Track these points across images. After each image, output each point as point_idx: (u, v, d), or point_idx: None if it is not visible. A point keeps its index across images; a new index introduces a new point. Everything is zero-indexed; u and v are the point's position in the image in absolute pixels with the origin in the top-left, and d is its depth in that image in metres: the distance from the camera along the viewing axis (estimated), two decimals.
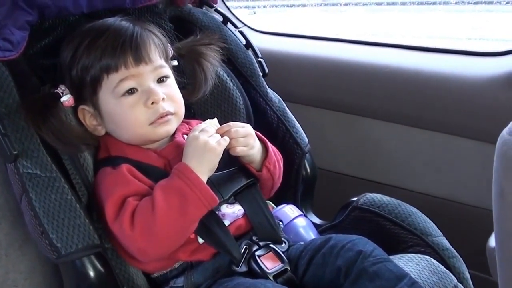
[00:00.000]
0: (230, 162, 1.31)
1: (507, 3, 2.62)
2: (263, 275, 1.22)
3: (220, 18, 1.67)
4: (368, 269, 1.13)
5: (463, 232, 1.67)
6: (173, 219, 1.14)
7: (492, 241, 0.93)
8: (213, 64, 1.45)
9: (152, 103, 1.24)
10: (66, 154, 1.24)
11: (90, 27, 1.29)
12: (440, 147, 1.83)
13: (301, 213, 1.49)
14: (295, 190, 1.58)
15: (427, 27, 2.72)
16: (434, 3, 2.98)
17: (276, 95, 1.63)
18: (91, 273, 1.19)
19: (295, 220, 1.45)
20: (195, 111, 1.53)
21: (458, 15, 2.84)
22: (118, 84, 1.24)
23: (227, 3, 2.21)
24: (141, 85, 1.25)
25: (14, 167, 1.21)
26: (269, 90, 1.62)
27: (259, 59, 1.64)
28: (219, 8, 1.71)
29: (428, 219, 1.39)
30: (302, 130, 1.60)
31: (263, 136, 1.36)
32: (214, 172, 1.22)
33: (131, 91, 1.25)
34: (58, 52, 1.31)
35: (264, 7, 3.66)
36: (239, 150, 1.27)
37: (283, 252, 1.27)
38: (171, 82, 1.32)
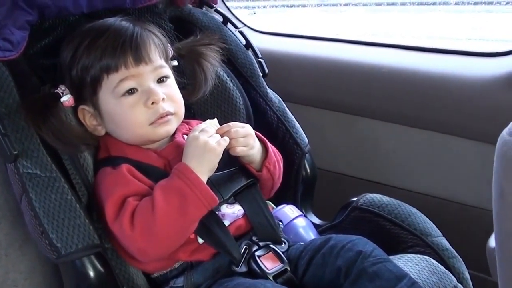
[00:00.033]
0: (230, 162, 1.31)
1: (507, 3, 2.61)
2: (263, 275, 1.22)
3: (220, 19, 1.67)
4: (368, 269, 1.14)
5: (463, 232, 1.67)
6: (173, 219, 1.15)
7: (492, 241, 0.93)
8: (213, 65, 1.45)
9: (152, 103, 1.24)
10: (66, 154, 1.24)
11: (90, 27, 1.30)
12: (440, 147, 1.83)
13: (301, 213, 1.49)
14: (295, 190, 1.58)
15: (427, 28, 2.72)
16: (434, 4, 2.98)
17: (276, 95, 1.63)
18: (91, 273, 1.19)
19: (295, 220, 1.45)
20: (195, 111, 1.53)
21: (458, 15, 2.84)
22: (118, 84, 1.24)
23: (227, 3, 2.21)
24: (141, 85, 1.25)
25: (14, 167, 1.21)
26: (269, 90, 1.62)
27: (259, 59, 1.64)
28: (219, 9, 1.71)
29: (427, 219, 1.40)
30: (302, 130, 1.60)
31: (263, 137, 1.36)
32: (214, 172, 1.23)
33: (131, 91, 1.25)
34: (58, 52, 1.31)
35: (264, 7, 3.66)
36: (239, 150, 1.27)
37: (283, 252, 1.27)
38: (171, 82, 1.32)
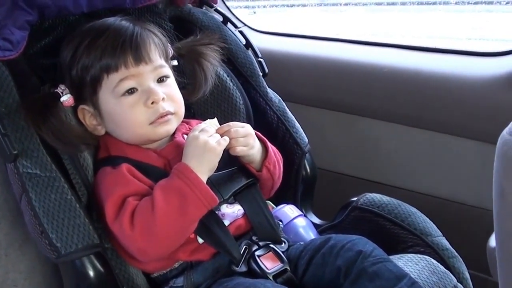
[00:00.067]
0: (230, 162, 1.31)
1: (507, 3, 2.62)
2: (262, 275, 1.22)
3: (220, 18, 1.67)
4: (368, 269, 1.13)
5: (463, 232, 1.67)
6: (173, 219, 1.14)
7: (492, 241, 0.93)
8: (213, 64, 1.45)
9: (152, 102, 1.24)
10: (66, 154, 1.24)
11: (90, 27, 1.29)
12: (440, 147, 1.83)
13: (301, 213, 1.49)
14: (295, 190, 1.58)
15: (427, 27, 2.72)
16: (434, 3, 2.98)
17: (276, 95, 1.63)
18: (91, 273, 1.19)
19: (295, 220, 1.45)
20: (195, 111, 1.53)
21: (458, 15, 2.84)
22: (118, 84, 1.24)
23: (227, 3, 2.21)
24: (141, 85, 1.25)
25: (14, 166, 1.21)
26: (269, 90, 1.62)
27: (259, 59, 1.64)
28: (219, 8, 1.71)
29: (427, 219, 1.39)
30: (302, 130, 1.60)
31: (263, 136, 1.36)
32: (214, 172, 1.22)
33: (131, 91, 1.25)
34: (58, 51, 1.31)
35: (264, 7, 3.66)
36: (239, 150, 1.27)
37: (282, 252, 1.27)
38: (171, 82, 1.32)
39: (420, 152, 1.88)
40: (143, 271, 1.29)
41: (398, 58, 1.93)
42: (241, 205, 1.31)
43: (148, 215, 1.14)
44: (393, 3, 3.09)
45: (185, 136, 1.32)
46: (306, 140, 1.59)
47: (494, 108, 1.65)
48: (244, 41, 1.64)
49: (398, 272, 1.13)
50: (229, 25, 1.66)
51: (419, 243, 1.35)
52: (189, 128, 1.38)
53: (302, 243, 1.32)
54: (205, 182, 1.18)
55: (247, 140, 1.28)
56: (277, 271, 1.23)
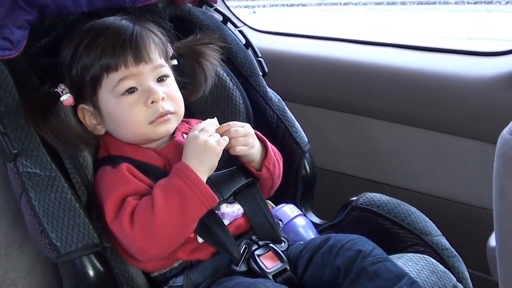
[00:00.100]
0: (230, 162, 1.31)
1: (507, 3, 2.62)
2: (262, 274, 1.22)
3: (220, 18, 1.67)
4: (368, 268, 1.13)
5: (463, 231, 1.67)
6: (173, 219, 1.15)
7: (492, 241, 0.93)
8: (213, 64, 1.45)
9: (152, 102, 1.24)
10: (66, 153, 1.24)
11: (90, 26, 1.29)
12: (440, 147, 1.83)
13: (300, 212, 1.49)
14: (294, 189, 1.58)
15: (427, 27, 2.72)
16: (434, 3, 2.98)
17: (276, 94, 1.63)
18: (91, 272, 1.19)
19: (294, 220, 1.45)
20: (195, 110, 1.53)
21: (458, 15, 2.84)
22: (118, 83, 1.24)
23: (227, 3, 2.21)
24: (141, 84, 1.25)
25: (13, 166, 1.21)
26: (268, 89, 1.62)
27: (259, 58, 1.64)
28: (219, 8, 1.71)
29: (427, 218, 1.40)
30: (301, 129, 1.60)
31: (262, 136, 1.36)
32: (214, 172, 1.22)
33: (131, 90, 1.25)
34: (58, 51, 1.31)
35: (264, 6, 3.66)
36: (239, 149, 1.27)
37: (282, 251, 1.27)
38: (171, 81, 1.32)
39: (420, 151, 1.88)
40: (142, 271, 1.29)
41: (398, 58, 1.92)
42: (240, 205, 1.31)
43: (148, 214, 1.14)
44: (393, 3, 3.09)
45: (185, 135, 1.31)
46: (306, 139, 1.59)
47: (494, 108, 1.65)
48: (244, 41, 1.64)
49: (397, 271, 1.13)
50: (229, 24, 1.66)
51: (418, 243, 1.35)
52: (189, 128, 1.38)
53: (301, 242, 1.32)
54: (205, 181, 1.18)
55: (247, 139, 1.28)
56: (277, 271, 1.23)
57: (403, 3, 3.05)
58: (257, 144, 1.32)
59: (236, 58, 1.60)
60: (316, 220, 1.54)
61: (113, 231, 1.19)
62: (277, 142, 1.51)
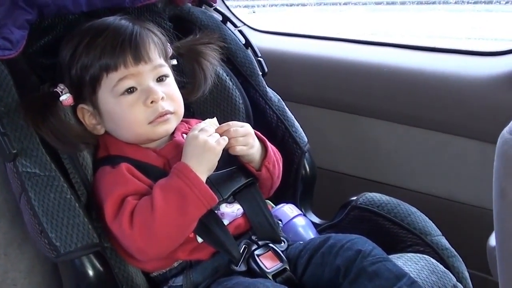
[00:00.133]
0: (230, 162, 1.31)
1: (506, 2, 2.61)
2: (262, 274, 1.22)
3: (220, 17, 1.67)
4: (367, 268, 1.13)
5: (463, 231, 1.67)
6: (172, 219, 1.14)
7: (492, 240, 0.93)
8: (213, 64, 1.45)
9: (152, 102, 1.24)
10: (65, 153, 1.24)
11: (89, 26, 1.29)
12: (440, 147, 1.83)
13: (300, 212, 1.49)
14: (294, 189, 1.58)
15: (427, 27, 2.72)
16: (433, 3, 2.97)
17: (276, 94, 1.63)
18: (90, 272, 1.19)
19: (294, 220, 1.45)
20: (195, 110, 1.53)
21: (458, 14, 2.83)
22: (118, 83, 1.24)
23: (227, 2, 2.21)
24: (140, 84, 1.25)
25: (13, 166, 1.21)
26: (268, 89, 1.62)
27: (259, 58, 1.64)
28: (218, 7, 1.71)
29: (427, 218, 1.39)
30: (301, 129, 1.60)
31: (262, 136, 1.36)
32: (213, 172, 1.22)
33: (130, 90, 1.25)
34: (57, 51, 1.31)
35: (264, 6, 3.66)
36: (239, 149, 1.27)
37: (282, 251, 1.27)
38: (171, 81, 1.32)
39: (420, 151, 1.88)
40: (142, 271, 1.29)
41: (398, 57, 1.92)
42: (240, 205, 1.31)
43: (147, 214, 1.14)
44: (392, 3, 3.09)
45: (184, 135, 1.31)
46: (306, 139, 1.59)
47: (494, 108, 1.65)
48: (243, 41, 1.64)
49: (397, 271, 1.13)
50: (228, 24, 1.66)
51: (418, 243, 1.35)
52: (189, 128, 1.38)
53: (301, 242, 1.32)
54: (204, 181, 1.18)
55: (247, 139, 1.28)
56: (277, 271, 1.23)
57: (403, 3, 3.04)
58: (256, 144, 1.32)
59: (236, 58, 1.60)
60: (316, 220, 1.54)
61: (112, 231, 1.19)
62: (276, 142, 1.51)
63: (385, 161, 1.97)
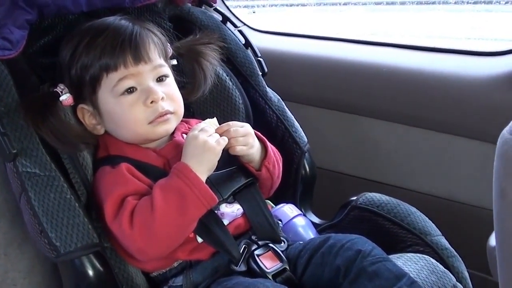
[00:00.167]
0: (230, 162, 1.31)
1: (506, 3, 2.61)
2: (262, 274, 1.22)
3: (220, 17, 1.67)
4: (367, 268, 1.13)
5: (462, 231, 1.67)
6: (172, 219, 1.14)
7: (492, 240, 0.93)
8: (213, 64, 1.45)
9: (152, 102, 1.24)
10: (65, 153, 1.24)
11: (89, 26, 1.29)
12: (440, 147, 1.83)
13: (300, 212, 1.49)
14: (294, 189, 1.58)
15: (427, 27, 2.72)
16: (433, 3, 2.97)
17: (276, 94, 1.63)
18: (90, 272, 1.19)
19: (294, 220, 1.45)
20: (194, 110, 1.53)
21: (458, 14, 2.83)
22: (118, 83, 1.24)
23: (227, 2, 2.21)
24: (140, 84, 1.25)
25: (13, 166, 1.21)
26: (268, 89, 1.62)
27: (259, 58, 1.64)
28: (218, 7, 1.71)
29: (427, 218, 1.39)
30: (301, 129, 1.60)
31: (262, 136, 1.36)
32: (213, 172, 1.22)
33: (130, 90, 1.25)
34: (57, 51, 1.31)
35: (264, 6, 3.66)
36: (239, 149, 1.27)
37: (282, 251, 1.27)
38: (171, 81, 1.32)
39: (419, 151, 1.88)
40: (142, 271, 1.29)
41: (398, 57, 1.93)
42: (240, 205, 1.31)
43: (147, 214, 1.14)
44: (392, 3, 3.09)
45: (184, 135, 1.31)
46: (306, 139, 1.59)
47: (494, 107, 1.65)
48: (243, 41, 1.64)
49: (397, 271, 1.13)
50: (228, 24, 1.66)
51: (418, 243, 1.35)
52: (189, 128, 1.38)
53: (301, 242, 1.32)
54: (204, 181, 1.18)
55: (247, 139, 1.28)
56: (277, 271, 1.23)
57: (402, 3, 3.04)
58: (256, 144, 1.32)
59: (236, 58, 1.60)
60: (316, 220, 1.54)
61: (112, 231, 1.19)
62: (276, 142, 1.51)
63: (385, 161, 1.97)
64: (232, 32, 1.64)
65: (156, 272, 1.28)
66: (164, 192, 1.16)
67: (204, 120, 1.29)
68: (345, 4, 3.10)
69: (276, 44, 2.21)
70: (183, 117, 1.35)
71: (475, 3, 2.76)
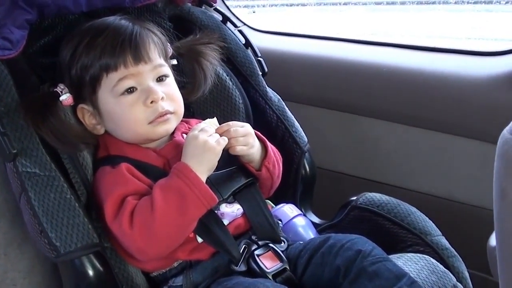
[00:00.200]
0: (230, 162, 1.31)
1: (506, 2, 2.61)
2: (262, 274, 1.22)
3: (220, 17, 1.67)
4: (367, 268, 1.13)
5: (463, 231, 1.67)
6: (172, 219, 1.14)
7: (492, 240, 0.93)
8: (213, 63, 1.45)
9: (152, 102, 1.24)
10: (65, 153, 1.24)
11: (89, 26, 1.29)
12: (440, 146, 1.83)
13: (300, 212, 1.49)
14: (294, 189, 1.58)
15: (427, 27, 2.72)
16: (433, 3, 2.98)
17: (276, 94, 1.63)
18: (90, 272, 1.19)
19: (294, 219, 1.45)
20: (195, 110, 1.53)
21: (458, 14, 2.84)
22: (118, 83, 1.24)
23: (227, 2, 2.21)
24: (140, 84, 1.25)
25: (13, 166, 1.21)
26: (268, 89, 1.62)
27: (259, 58, 1.64)
28: (218, 7, 1.71)
29: (427, 218, 1.39)
30: (301, 129, 1.60)
31: (262, 136, 1.36)
32: (214, 172, 1.22)
33: (130, 90, 1.25)
34: (57, 51, 1.31)
35: (264, 6, 3.66)
36: (239, 149, 1.27)
37: (282, 251, 1.27)
38: (171, 81, 1.32)
39: (420, 151, 1.88)
40: (142, 270, 1.29)
41: (398, 57, 1.93)
42: (240, 205, 1.31)
43: (147, 214, 1.14)
44: (392, 3, 3.09)
45: (184, 135, 1.31)
46: (306, 139, 1.59)
47: (494, 107, 1.65)
48: (243, 40, 1.64)
49: (397, 271, 1.13)
50: (228, 24, 1.66)
51: (418, 243, 1.35)
52: (189, 128, 1.38)
53: (301, 242, 1.32)
54: (204, 181, 1.18)
55: (247, 139, 1.28)
56: (277, 271, 1.23)
57: (403, 3, 3.04)
58: (256, 144, 1.32)
59: (236, 57, 1.60)
60: (316, 220, 1.54)
61: (112, 231, 1.19)
62: (276, 142, 1.51)
63: (385, 161, 1.97)
64: (232, 32, 1.64)
65: (156, 272, 1.28)
66: (164, 192, 1.16)
67: (204, 120, 1.29)
68: (345, 4, 3.10)
69: (276, 44, 2.21)
70: (183, 117, 1.35)
71: (475, 3, 2.76)
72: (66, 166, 1.23)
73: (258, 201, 1.33)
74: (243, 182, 1.32)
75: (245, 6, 3.24)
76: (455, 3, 2.86)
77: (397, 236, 1.37)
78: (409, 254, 1.30)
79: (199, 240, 1.24)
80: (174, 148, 1.30)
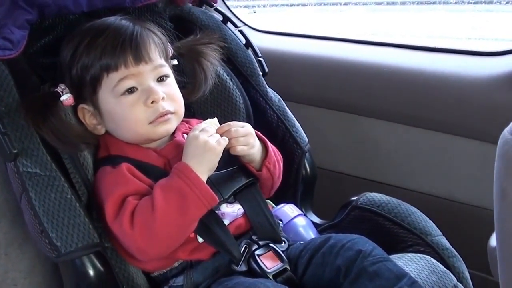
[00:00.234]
0: (230, 162, 1.31)
1: (507, 3, 2.62)
2: (262, 274, 1.22)
3: (220, 17, 1.67)
4: (368, 268, 1.13)
5: (463, 231, 1.67)
6: (173, 219, 1.14)
7: (493, 241, 0.93)
8: (213, 64, 1.45)
9: (152, 102, 1.24)
10: (66, 153, 1.24)
11: (90, 26, 1.29)
12: (440, 147, 1.83)
13: (300, 212, 1.49)
14: (294, 189, 1.58)
15: (427, 27, 2.72)
16: (434, 3, 2.98)
17: (276, 94, 1.63)
18: (91, 272, 1.19)
19: (294, 220, 1.45)
20: (195, 110, 1.53)
21: (458, 14, 2.84)
22: (118, 83, 1.24)
23: (227, 2, 2.21)
24: (141, 84, 1.25)
25: (13, 166, 1.21)
26: (269, 89, 1.62)
27: (259, 58, 1.64)
28: (219, 7, 1.71)
29: (427, 218, 1.39)
30: (301, 129, 1.60)
31: (263, 136, 1.36)
32: (214, 172, 1.22)
33: (131, 90, 1.25)
34: (58, 51, 1.31)
35: (264, 6, 3.66)
36: (239, 149, 1.27)
37: (282, 251, 1.27)
38: (171, 81, 1.32)
39: (420, 151, 1.88)
40: (143, 270, 1.29)
41: (398, 57, 1.93)
42: (241, 205, 1.31)
43: (148, 214, 1.14)
44: (393, 3, 3.09)
45: (185, 135, 1.31)
46: (306, 139, 1.59)
47: (495, 108, 1.65)
48: (244, 41, 1.64)
49: (398, 271, 1.13)
50: (229, 24, 1.66)
51: (419, 243, 1.35)
52: (189, 128, 1.38)
53: (302, 242, 1.32)
54: (205, 181, 1.18)
55: (247, 139, 1.28)
56: (277, 271, 1.23)
57: (403, 3, 3.05)
58: (257, 144, 1.32)
59: (236, 58, 1.60)
60: (316, 220, 1.54)
61: (113, 231, 1.19)
62: (277, 142, 1.51)
63: (385, 161, 1.97)
64: (232, 32, 1.64)
65: (156, 272, 1.28)
66: (165, 192, 1.16)
67: (204, 120, 1.29)
68: (345, 4, 3.10)
69: (277, 44, 2.21)
70: (184, 117, 1.35)
71: (475, 3, 2.76)
72: (67, 166, 1.24)
73: (258, 201, 1.33)
74: (243, 182, 1.32)
75: (245, 6, 3.24)
76: (456, 3, 2.86)
77: (397, 236, 1.37)
78: (410, 254, 1.30)
79: (200, 240, 1.24)
80: (174, 148, 1.30)
